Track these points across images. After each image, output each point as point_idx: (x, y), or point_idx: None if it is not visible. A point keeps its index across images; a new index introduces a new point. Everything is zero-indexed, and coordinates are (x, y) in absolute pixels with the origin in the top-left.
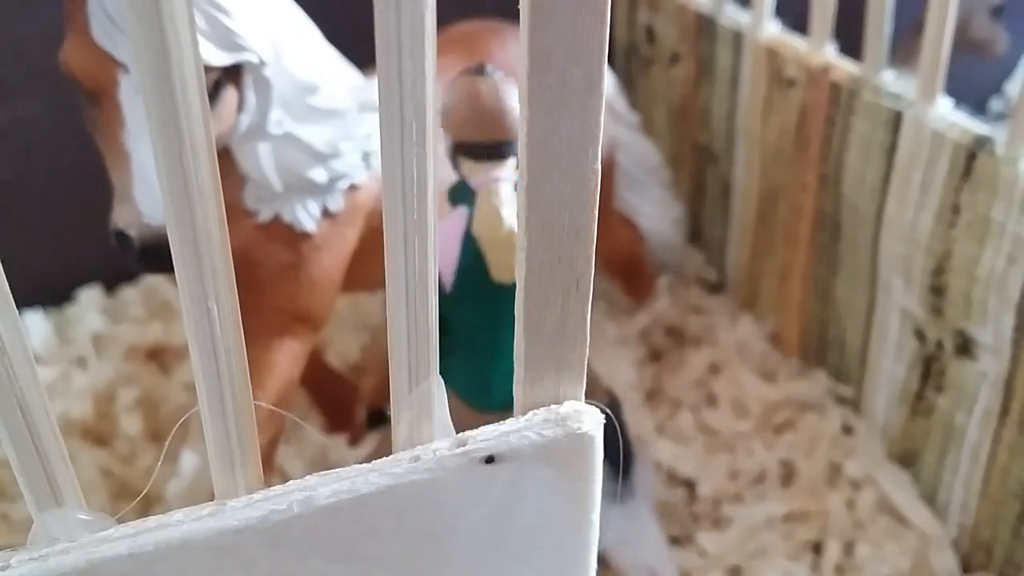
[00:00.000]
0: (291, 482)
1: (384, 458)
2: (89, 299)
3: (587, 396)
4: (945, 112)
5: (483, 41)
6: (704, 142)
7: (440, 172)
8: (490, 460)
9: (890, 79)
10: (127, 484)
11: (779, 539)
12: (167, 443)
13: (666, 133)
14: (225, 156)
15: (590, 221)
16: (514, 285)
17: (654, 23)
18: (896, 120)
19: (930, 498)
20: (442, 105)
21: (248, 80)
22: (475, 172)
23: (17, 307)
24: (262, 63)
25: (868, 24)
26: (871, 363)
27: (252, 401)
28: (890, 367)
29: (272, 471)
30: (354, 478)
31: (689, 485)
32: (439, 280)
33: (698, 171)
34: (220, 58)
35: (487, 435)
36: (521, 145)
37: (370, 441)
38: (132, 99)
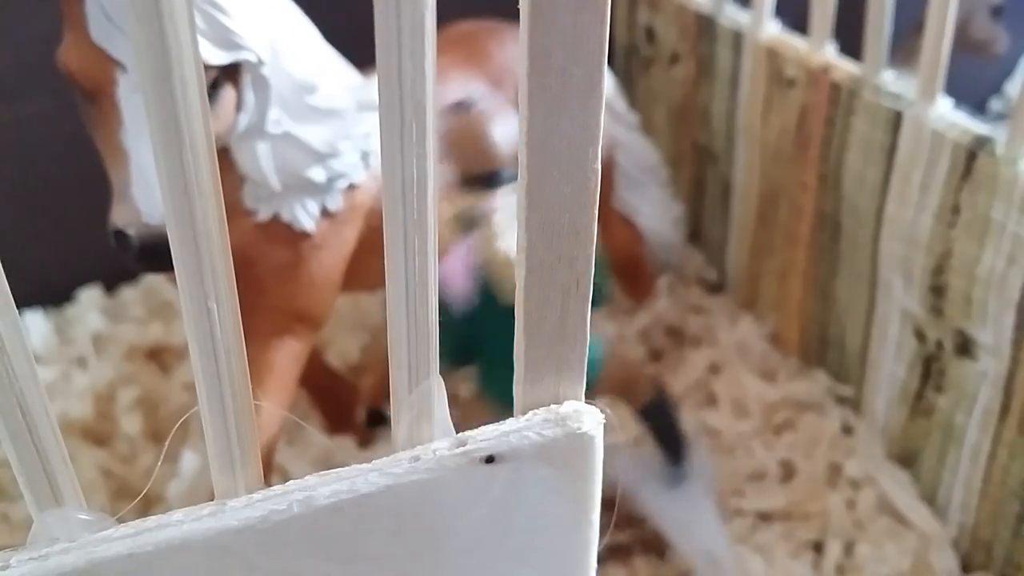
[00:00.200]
0: (291, 482)
1: (384, 458)
2: (89, 299)
3: (633, 389)
4: (945, 112)
5: (482, 41)
6: (704, 142)
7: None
8: (490, 460)
9: (890, 79)
10: (127, 484)
11: (779, 539)
12: (167, 443)
13: (666, 133)
14: (223, 155)
15: (590, 221)
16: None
17: (654, 23)
18: (896, 120)
19: (930, 498)
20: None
21: (246, 79)
22: (470, 203)
23: (17, 307)
24: (260, 62)
25: (868, 24)
26: (871, 363)
27: (252, 401)
28: (890, 367)
29: (272, 471)
30: (354, 478)
31: None
32: (448, 303)
33: (698, 171)
34: (218, 57)
35: (487, 435)
36: (521, 145)
37: (379, 443)
38: (130, 98)
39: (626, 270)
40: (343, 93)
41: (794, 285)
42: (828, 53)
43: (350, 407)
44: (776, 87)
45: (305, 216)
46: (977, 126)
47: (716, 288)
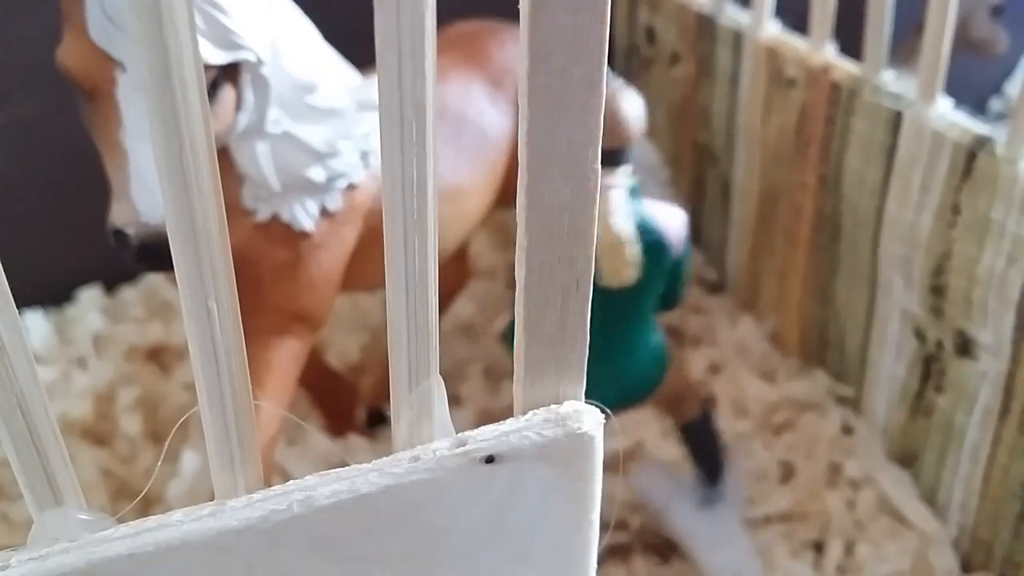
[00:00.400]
0: (291, 482)
1: (384, 458)
2: (89, 299)
3: (681, 404)
4: (945, 112)
5: (482, 41)
6: (704, 142)
7: (440, 171)
8: (490, 460)
9: (890, 79)
10: (127, 484)
11: (779, 539)
12: (167, 443)
13: (666, 133)
14: (223, 155)
15: (590, 221)
16: (621, 289)
17: (654, 23)
18: (896, 120)
19: (930, 498)
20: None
21: (246, 79)
22: None
23: (17, 307)
24: (260, 62)
25: (868, 24)
26: (871, 363)
27: (252, 401)
28: (890, 367)
29: (271, 471)
30: (354, 478)
31: None
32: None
33: (698, 171)
34: (218, 57)
35: (487, 435)
36: (521, 145)
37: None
38: (129, 97)
39: None
40: (343, 93)
41: (794, 285)
42: (828, 53)
43: (350, 407)
44: (776, 87)
45: (304, 216)
46: (977, 126)
47: (716, 288)
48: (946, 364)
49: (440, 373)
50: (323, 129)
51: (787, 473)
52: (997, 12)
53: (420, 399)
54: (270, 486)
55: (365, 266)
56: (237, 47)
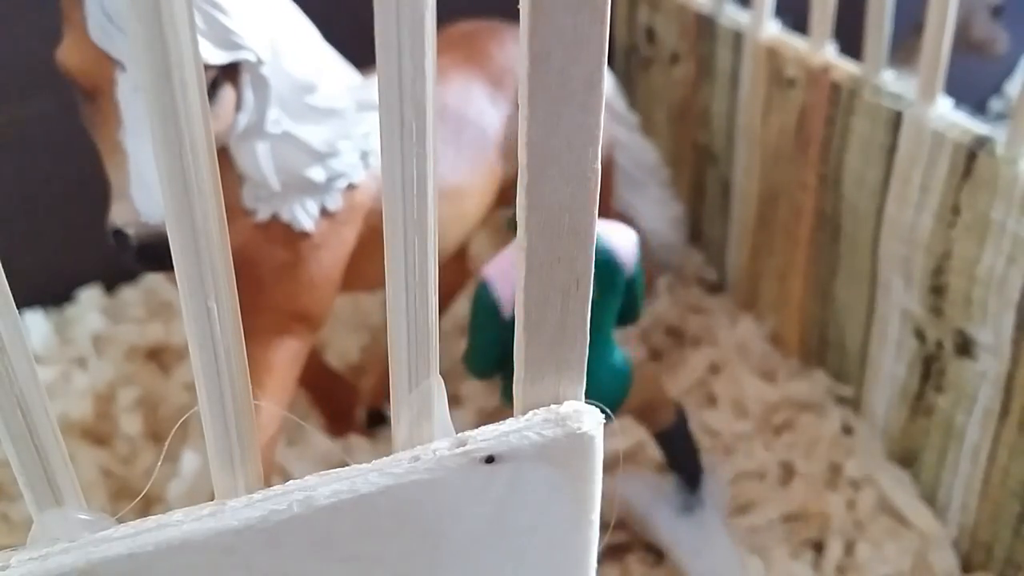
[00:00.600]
0: (291, 482)
1: (384, 458)
2: (89, 299)
3: (655, 412)
4: (945, 112)
5: (482, 41)
6: (704, 142)
7: (440, 171)
8: (490, 460)
9: (890, 79)
10: (127, 484)
11: (779, 539)
12: (167, 443)
13: (666, 133)
14: (223, 155)
15: (590, 221)
16: None
17: (654, 23)
18: (896, 120)
19: (930, 498)
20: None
21: (246, 79)
22: None
23: (17, 307)
24: (260, 62)
25: (868, 24)
26: (871, 363)
27: (252, 401)
28: (890, 367)
29: (271, 471)
30: (354, 478)
31: None
32: (497, 305)
33: (698, 171)
34: (218, 56)
35: (487, 435)
36: (521, 145)
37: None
38: (129, 97)
39: None
40: (343, 93)
41: (794, 285)
42: (828, 53)
43: (350, 407)
44: (776, 87)
45: (304, 216)
46: (977, 126)
47: (716, 288)
48: (946, 364)
49: (440, 373)
50: (323, 129)
51: (787, 473)
52: (997, 12)
53: (420, 399)
54: (270, 486)
55: (365, 266)
56: (237, 47)
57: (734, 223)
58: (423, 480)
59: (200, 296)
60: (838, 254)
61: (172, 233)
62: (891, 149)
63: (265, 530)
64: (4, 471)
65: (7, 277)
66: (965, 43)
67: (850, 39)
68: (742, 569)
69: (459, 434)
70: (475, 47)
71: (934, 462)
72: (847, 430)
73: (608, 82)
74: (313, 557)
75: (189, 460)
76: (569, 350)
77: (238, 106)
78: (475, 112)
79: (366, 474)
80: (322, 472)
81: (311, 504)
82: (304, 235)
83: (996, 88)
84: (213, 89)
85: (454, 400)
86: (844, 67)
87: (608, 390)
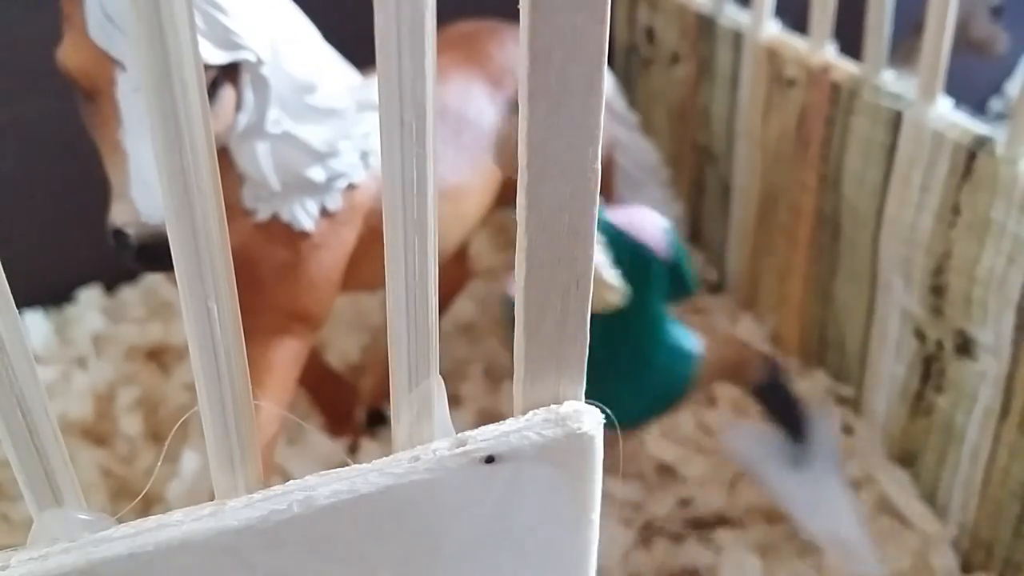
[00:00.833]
0: (291, 482)
1: (384, 458)
2: (89, 299)
3: (743, 371)
4: (945, 112)
5: (482, 41)
6: (704, 142)
7: (440, 171)
8: (490, 460)
9: (890, 79)
10: (127, 484)
11: (780, 539)
12: (167, 443)
13: (666, 133)
14: (223, 155)
15: (590, 221)
16: (606, 313)
17: (654, 23)
18: (896, 120)
19: (930, 498)
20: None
21: (246, 79)
22: None
23: (17, 307)
24: (260, 62)
25: (868, 24)
26: (871, 363)
27: (252, 401)
28: (890, 367)
29: (271, 471)
30: (354, 478)
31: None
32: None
33: (698, 171)
34: (218, 57)
35: (487, 435)
36: (521, 145)
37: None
38: (129, 97)
39: None
40: (343, 93)
41: (794, 285)
42: (828, 53)
43: (350, 407)
44: (776, 87)
45: (304, 216)
46: (977, 126)
47: (716, 288)
48: (946, 364)
49: (440, 373)
50: (323, 129)
51: None
52: (997, 12)
53: (420, 399)
54: (270, 486)
55: (365, 266)
56: (237, 47)
57: (734, 223)
58: (423, 480)
59: (200, 296)
60: (838, 254)
61: (172, 233)
62: (891, 149)
63: (265, 530)
64: (4, 471)
65: (7, 277)
66: (965, 43)
67: (850, 39)
68: (858, 519)
69: (459, 434)
70: (475, 47)
71: (934, 462)
72: (847, 430)
73: (608, 82)
74: (313, 557)
75: (189, 460)
76: (569, 350)
77: (238, 106)
78: (475, 112)
79: (366, 474)
80: (322, 472)
81: (311, 504)
82: (304, 235)
83: (996, 88)
84: (213, 89)
85: (454, 400)
86: (844, 67)
87: (674, 372)
